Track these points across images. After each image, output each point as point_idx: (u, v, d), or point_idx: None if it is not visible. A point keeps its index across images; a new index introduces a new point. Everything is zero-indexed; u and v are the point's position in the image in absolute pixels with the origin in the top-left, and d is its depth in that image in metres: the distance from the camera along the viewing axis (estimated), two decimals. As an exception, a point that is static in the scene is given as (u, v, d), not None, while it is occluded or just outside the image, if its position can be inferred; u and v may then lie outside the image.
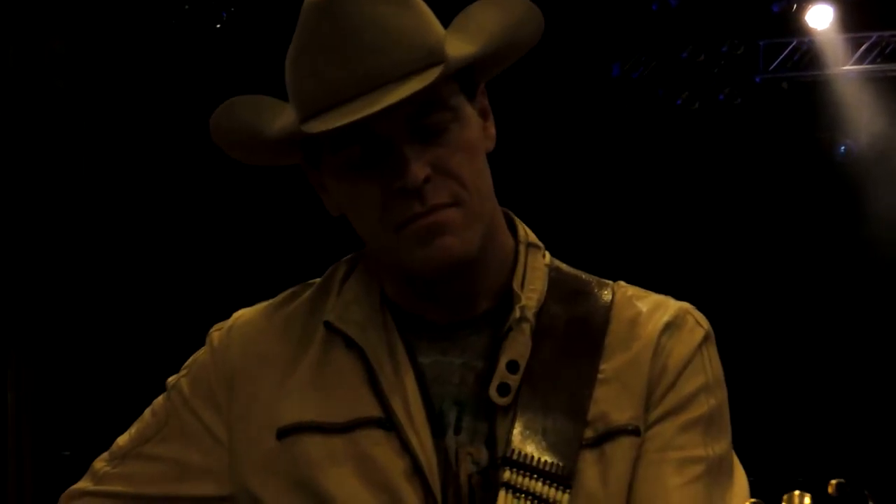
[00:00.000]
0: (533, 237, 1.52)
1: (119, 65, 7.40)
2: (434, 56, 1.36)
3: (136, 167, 7.57)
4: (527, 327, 1.45)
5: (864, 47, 8.83)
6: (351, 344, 1.46)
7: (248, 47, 7.36)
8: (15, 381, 7.46)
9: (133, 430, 1.57)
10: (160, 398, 1.57)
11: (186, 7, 7.55)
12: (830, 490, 7.85)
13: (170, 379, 1.57)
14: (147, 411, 1.58)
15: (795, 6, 8.50)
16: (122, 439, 1.57)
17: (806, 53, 8.97)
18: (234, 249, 7.52)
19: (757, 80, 9.12)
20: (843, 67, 8.87)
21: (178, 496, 1.52)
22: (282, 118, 1.42)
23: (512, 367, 1.43)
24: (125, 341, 7.09)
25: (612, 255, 8.44)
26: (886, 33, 8.81)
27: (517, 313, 1.44)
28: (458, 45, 1.39)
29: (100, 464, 1.57)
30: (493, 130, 1.48)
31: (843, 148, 9.61)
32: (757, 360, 8.81)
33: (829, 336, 9.35)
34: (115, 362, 6.97)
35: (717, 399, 1.47)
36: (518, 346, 1.44)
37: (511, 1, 1.44)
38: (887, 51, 8.80)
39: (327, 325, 1.47)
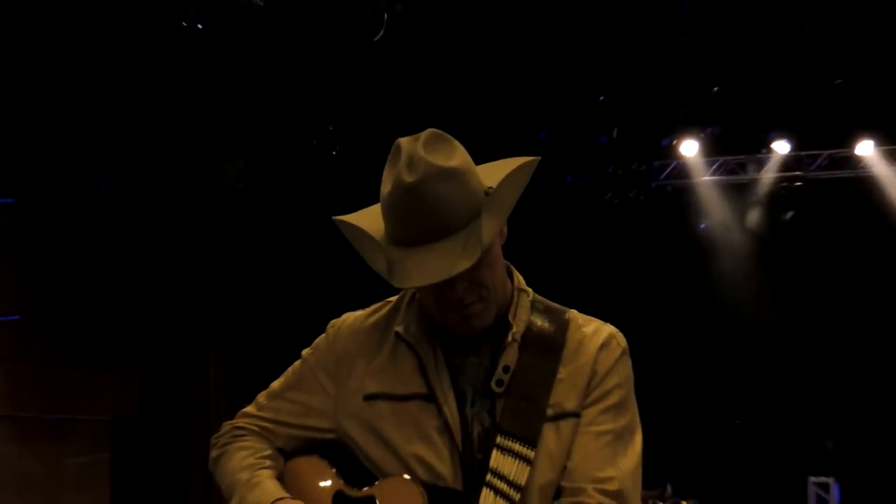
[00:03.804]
0: (522, 283, 1.94)
1: (263, 186, 8.39)
2: (474, 214, 1.69)
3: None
4: (515, 345, 1.87)
5: (714, 166, 9.99)
6: (410, 347, 1.90)
7: (358, 173, 7.09)
8: (214, 375, 8.00)
9: (282, 379, 2.04)
10: (298, 363, 2.03)
11: (314, 142, 8.93)
12: None
13: (304, 351, 2.04)
14: (290, 369, 2.04)
15: (675, 140, 9.79)
16: (275, 384, 2.04)
17: (682, 169, 9.99)
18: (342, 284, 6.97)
19: (652, 185, 10.16)
20: (703, 178, 9.99)
21: (304, 425, 1.97)
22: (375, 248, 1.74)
23: (505, 369, 1.84)
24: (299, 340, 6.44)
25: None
26: (729, 158, 10.03)
27: (510, 337, 1.87)
28: (489, 218, 1.68)
29: (262, 398, 2.04)
30: (505, 230, 1.83)
31: (703, 225, 10.56)
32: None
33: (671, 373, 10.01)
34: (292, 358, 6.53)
35: (624, 390, 1.88)
36: (510, 356, 1.86)
37: (527, 169, 1.75)
38: (729, 168, 10.00)
39: (397, 334, 1.90)
